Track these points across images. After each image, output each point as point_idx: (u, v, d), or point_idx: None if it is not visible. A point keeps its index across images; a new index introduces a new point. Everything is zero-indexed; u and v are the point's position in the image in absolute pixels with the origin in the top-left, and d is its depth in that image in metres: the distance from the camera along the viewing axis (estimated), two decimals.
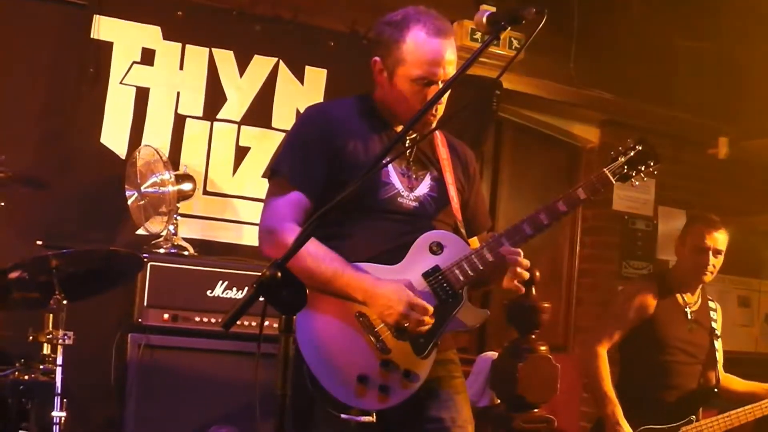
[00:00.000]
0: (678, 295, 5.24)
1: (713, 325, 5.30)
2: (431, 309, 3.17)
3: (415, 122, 2.98)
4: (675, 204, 8.23)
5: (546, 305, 4.41)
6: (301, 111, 5.55)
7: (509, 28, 2.94)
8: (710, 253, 5.17)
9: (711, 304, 5.39)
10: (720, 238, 5.21)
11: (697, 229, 5.23)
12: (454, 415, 3.35)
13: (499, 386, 4.61)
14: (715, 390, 5.21)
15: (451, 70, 3.28)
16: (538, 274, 4.44)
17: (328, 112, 3.48)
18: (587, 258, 7.74)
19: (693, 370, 5.20)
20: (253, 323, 4.33)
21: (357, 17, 6.03)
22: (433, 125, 3.34)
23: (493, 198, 7.45)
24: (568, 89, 7.42)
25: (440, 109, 3.34)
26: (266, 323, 2.75)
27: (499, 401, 4.77)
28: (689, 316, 5.21)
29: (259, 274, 2.45)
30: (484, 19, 2.94)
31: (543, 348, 4.39)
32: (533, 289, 4.41)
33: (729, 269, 8.53)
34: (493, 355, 4.94)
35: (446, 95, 3.25)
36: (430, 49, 3.25)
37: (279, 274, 2.42)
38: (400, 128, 3.32)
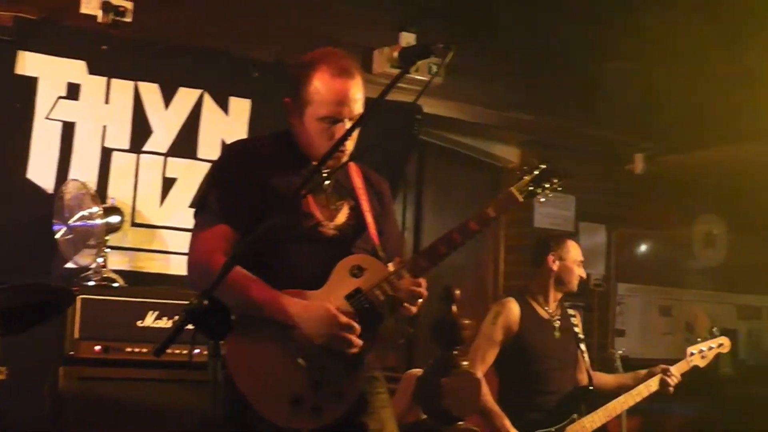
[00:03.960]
0: (539, 308, 5.52)
1: (576, 330, 5.61)
2: (358, 328, 3.29)
3: (326, 160, 3.16)
4: (595, 219, 8.42)
5: (467, 322, 4.52)
6: (227, 141, 5.70)
7: (419, 61, 3.09)
8: (581, 265, 5.59)
9: (570, 311, 5.70)
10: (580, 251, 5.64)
11: (571, 245, 5.60)
12: (378, 427, 3.46)
13: (424, 402, 4.69)
14: (591, 388, 5.49)
15: (356, 108, 3.41)
16: (458, 292, 4.55)
17: (249, 147, 3.65)
18: (511, 275, 7.87)
19: (565, 374, 5.49)
20: (185, 351, 4.37)
21: (281, 47, 6.09)
22: (344, 160, 3.47)
23: (418, 220, 7.57)
24: (488, 112, 7.55)
25: (350, 144, 3.46)
26: (197, 351, 2.84)
27: (425, 416, 4.88)
28: (554, 325, 5.49)
29: (188, 302, 2.57)
30: (396, 54, 3.09)
31: (465, 363, 4.49)
32: (454, 307, 4.53)
33: (650, 279, 8.82)
34: (418, 372, 5.06)
35: (357, 131, 3.39)
36: (335, 89, 3.38)
37: (206, 302, 2.54)
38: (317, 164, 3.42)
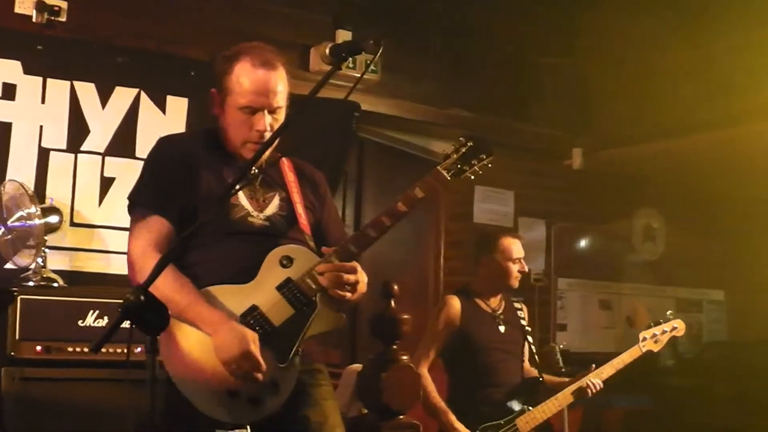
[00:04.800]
0: (481, 302, 5.57)
1: (522, 322, 5.66)
2: (263, 367, 3.29)
3: (259, 157, 3.18)
4: (535, 215, 8.49)
5: (406, 317, 4.55)
6: None
7: (350, 56, 3.12)
8: (519, 261, 5.56)
9: (516, 304, 5.74)
10: (521, 247, 5.63)
11: (505, 241, 5.58)
12: (321, 419, 3.49)
13: (365, 396, 4.73)
14: (540, 379, 5.56)
15: (277, 99, 3.46)
16: (396, 287, 4.59)
17: (179, 142, 3.69)
18: (453, 271, 7.88)
19: (513, 366, 5.53)
20: (125, 350, 4.37)
21: (217, 46, 6.05)
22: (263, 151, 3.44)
23: (358, 216, 7.63)
24: (426, 108, 7.61)
25: (268, 135, 3.46)
26: (138, 350, 2.85)
27: (366, 411, 4.92)
28: (497, 319, 5.53)
29: (123, 299, 2.59)
30: (327, 51, 3.13)
31: (404, 357, 4.52)
32: (392, 302, 4.56)
33: (589, 274, 8.90)
34: (358, 367, 5.10)
35: (278, 124, 3.45)
36: (255, 79, 3.44)
37: (142, 297, 2.56)
38: (247, 156, 3.47)
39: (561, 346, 6.93)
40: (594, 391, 5.46)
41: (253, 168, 3.50)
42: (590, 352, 5.83)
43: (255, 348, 3.27)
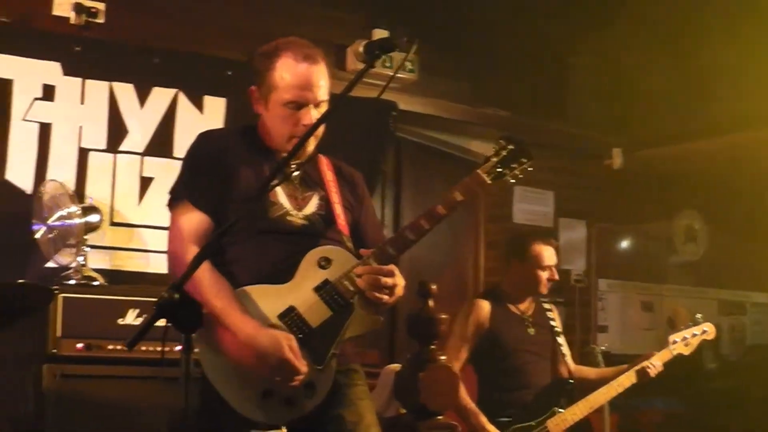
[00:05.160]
0: (511, 305, 5.54)
1: (552, 323, 5.61)
2: (303, 369, 3.28)
3: (297, 150, 3.16)
4: (575, 215, 8.45)
5: (444, 316, 4.53)
6: None
7: (383, 54, 3.12)
8: (549, 269, 5.51)
9: (545, 305, 5.68)
10: (554, 253, 5.57)
11: (536, 247, 5.51)
12: (356, 418, 3.47)
13: (402, 397, 4.72)
14: (571, 381, 5.50)
15: (321, 94, 3.45)
16: (434, 287, 4.57)
17: (218, 138, 3.66)
18: (491, 271, 7.85)
19: (542, 367, 5.49)
20: (167, 348, 4.40)
21: (253, 46, 6.09)
22: (310, 150, 3.49)
23: (397, 216, 7.59)
24: (463, 108, 7.61)
25: (318, 133, 3.46)
26: (177, 348, 2.83)
27: (404, 411, 4.90)
28: (527, 321, 5.50)
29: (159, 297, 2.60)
30: (361, 48, 3.12)
31: (442, 357, 4.52)
32: (430, 302, 4.55)
33: (631, 275, 8.84)
34: (396, 367, 5.08)
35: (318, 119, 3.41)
36: (299, 74, 3.43)
37: (176, 295, 2.56)
38: (283, 154, 3.44)
39: (602, 348, 6.91)
40: (654, 372, 5.44)
41: (294, 166, 3.51)
42: (630, 354, 5.76)
43: (291, 353, 3.26)
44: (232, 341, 3.29)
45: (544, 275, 5.48)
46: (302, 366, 3.27)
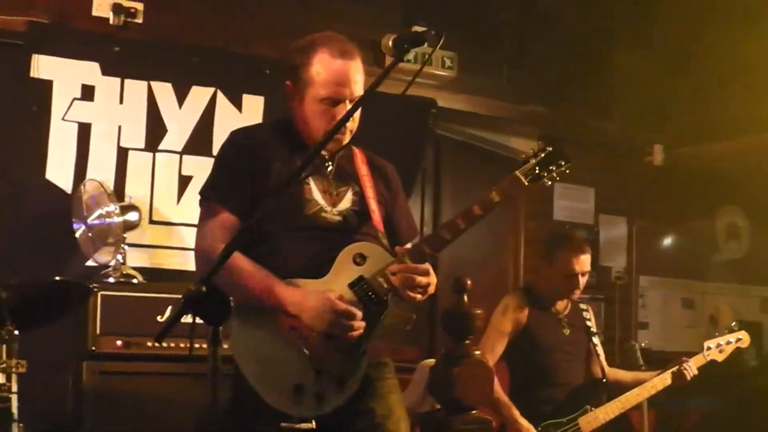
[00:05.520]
0: (547, 305, 5.53)
1: (587, 324, 5.60)
2: (359, 314, 3.32)
3: (327, 142, 3.13)
4: (615, 212, 8.41)
5: (479, 312, 4.55)
6: None
7: (412, 48, 3.12)
8: (579, 276, 5.45)
9: (581, 305, 5.68)
10: (586, 260, 5.50)
11: (563, 255, 5.46)
12: (386, 412, 3.48)
13: (437, 391, 4.73)
14: (604, 381, 5.50)
15: (357, 89, 3.45)
16: (469, 282, 4.59)
17: (251, 135, 3.66)
18: (531, 268, 7.77)
19: (576, 366, 5.49)
20: (204, 345, 4.42)
21: (291, 43, 6.14)
22: (345, 141, 3.49)
23: (437, 213, 7.60)
24: (503, 105, 7.59)
25: (350, 125, 3.48)
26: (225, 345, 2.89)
27: (438, 406, 4.91)
28: (563, 322, 5.50)
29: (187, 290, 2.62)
30: (390, 43, 3.13)
31: (477, 353, 4.52)
32: (465, 297, 4.56)
33: (672, 273, 8.78)
34: (431, 362, 5.09)
35: (358, 114, 3.45)
36: (335, 70, 3.43)
37: (204, 288, 2.59)
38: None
39: (642, 345, 6.88)
40: (690, 375, 5.45)
41: (327, 161, 3.53)
42: (671, 351, 5.76)
43: (342, 303, 3.31)
44: (278, 321, 3.34)
45: (572, 283, 5.45)
46: (358, 312, 3.32)
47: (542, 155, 3.60)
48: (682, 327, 8.85)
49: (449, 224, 3.50)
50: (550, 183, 3.65)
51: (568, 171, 3.65)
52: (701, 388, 5.76)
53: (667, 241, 9.02)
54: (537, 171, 3.59)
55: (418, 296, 3.43)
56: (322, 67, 3.44)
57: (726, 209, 9.31)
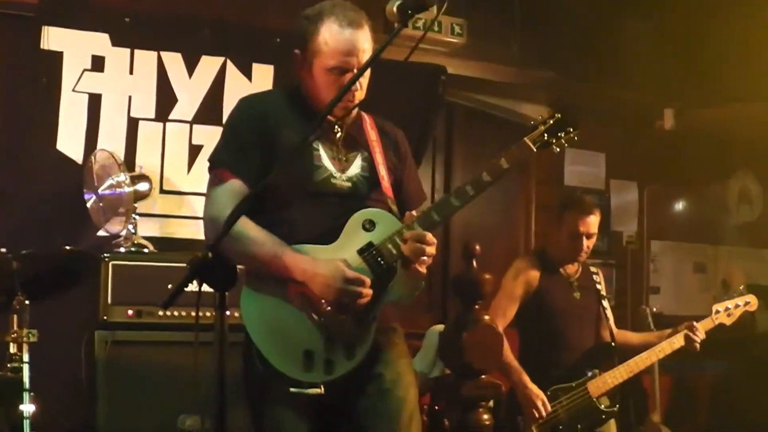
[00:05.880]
0: (558, 268, 5.53)
1: (597, 287, 5.60)
2: (368, 281, 3.32)
3: (331, 109, 3.12)
4: (626, 176, 8.43)
5: (488, 277, 4.56)
6: None
7: (415, 14, 3.12)
8: (584, 237, 5.43)
9: (592, 269, 5.70)
10: (592, 222, 5.48)
11: (570, 216, 5.47)
12: (394, 377, 3.50)
13: (446, 356, 4.74)
14: (613, 345, 5.51)
15: (365, 58, 3.42)
16: (478, 247, 4.59)
17: (259, 102, 3.65)
18: (543, 234, 7.81)
19: (586, 331, 5.52)
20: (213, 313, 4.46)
21: (300, 12, 6.13)
22: (352, 107, 3.49)
23: (448, 181, 7.62)
24: (513, 71, 7.58)
25: (359, 94, 3.48)
26: (228, 313, 2.91)
27: (448, 371, 4.94)
28: (573, 285, 5.50)
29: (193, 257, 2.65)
30: (395, 9, 3.12)
31: (486, 318, 4.54)
32: (474, 262, 4.57)
33: (683, 236, 8.80)
34: (441, 328, 5.11)
35: (366, 80, 3.46)
36: (343, 39, 3.41)
37: (210, 254, 2.61)
38: (329, 116, 3.42)
39: (654, 309, 6.91)
40: (698, 341, 5.42)
41: (336, 127, 3.54)
42: (683, 315, 5.75)
43: (351, 271, 3.31)
44: (287, 288, 3.35)
45: (578, 244, 5.44)
46: (367, 279, 3.32)
47: (551, 122, 3.59)
48: (693, 291, 8.87)
49: (458, 191, 3.50)
50: (558, 150, 3.66)
51: (576, 138, 3.66)
52: (715, 353, 5.75)
53: (679, 205, 9.03)
54: (546, 138, 3.59)
55: (424, 269, 3.44)
56: (329, 36, 3.43)
57: (738, 173, 9.31)
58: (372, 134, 3.65)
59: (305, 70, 3.53)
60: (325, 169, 3.48)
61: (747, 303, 5.65)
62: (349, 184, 3.52)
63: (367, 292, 3.33)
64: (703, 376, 8.28)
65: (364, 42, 3.46)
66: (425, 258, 3.40)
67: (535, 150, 3.58)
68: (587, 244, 5.46)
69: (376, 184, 3.57)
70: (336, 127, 3.55)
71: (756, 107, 8.03)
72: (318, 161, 3.48)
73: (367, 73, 3.47)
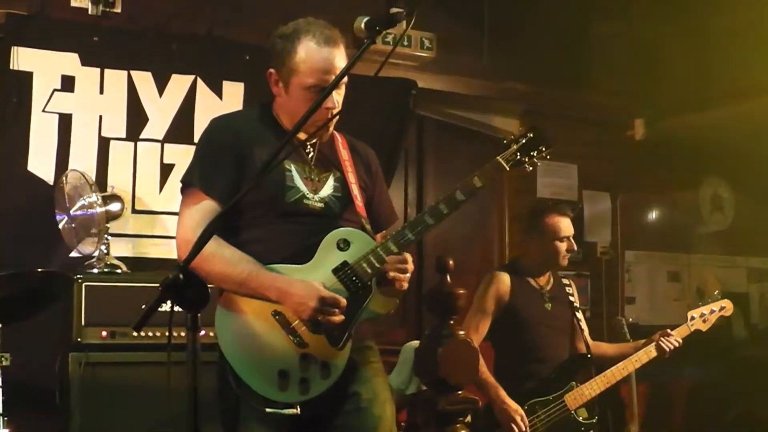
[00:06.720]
0: (530, 279, 5.53)
1: (570, 299, 5.60)
2: (343, 300, 3.33)
3: (301, 125, 3.05)
4: (599, 187, 8.42)
5: (462, 291, 4.54)
6: None
7: (384, 30, 3.11)
8: (567, 240, 5.49)
9: (564, 280, 5.69)
10: (570, 225, 5.55)
11: (550, 220, 5.50)
12: (371, 395, 3.51)
13: (422, 372, 4.73)
14: (588, 356, 5.49)
15: None
16: (451, 262, 4.58)
17: (232, 122, 3.64)
18: (517, 245, 7.80)
19: (559, 342, 5.49)
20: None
21: (271, 28, 6.11)
22: (328, 123, 3.48)
23: (420, 195, 7.61)
24: (483, 83, 7.58)
25: (336, 111, 3.47)
26: (202, 333, 2.88)
27: (425, 387, 4.92)
28: (545, 296, 5.49)
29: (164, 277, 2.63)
30: (363, 25, 3.11)
31: (461, 332, 4.52)
32: (448, 277, 4.56)
33: (657, 246, 8.80)
34: (416, 344, 5.09)
35: (341, 99, 3.48)
36: (321, 58, 3.42)
37: (181, 275, 2.60)
38: (301, 135, 3.44)
39: (629, 320, 6.91)
40: (671, 348, 5.43)
41: (308, 147, 3.54)
42: (659, 325, 5.75)
43: (325, 290, 3.32)
44: (262, 307, 3.36)
45: (562, 246, 5.46)
46: (341, 299, 3.33)
47: (523, 141, 3.64)
48: (669, 300, 8.87)
49: (432, 209, 3.53)
50: (530, 168, 3.70)
51: (548, 157, 3.71)
52: (691, 360, 5.78)
53: (652, 214, 9.04)
54: (518, 156, 3.64)
55: (405, 284, 3.46)
56: (306, 55, 3.44)
57: (709, 181, 9.33)
58: (344, 153, 3.67)
59: (281, 89, 3.53)
60: (297, 190, 3.49)
61: (722, 308, 5.66)
62: (321, 204, 3.53)
63: (342, 311, 3.33)
64: (679, 382, 8.29)
65: (341, 60, 3.47)
66: (407, 275, 3.43)
67: (508, 169, 3.63)
68: (569, 246, 5.49)
69: (349, 203, 3.59)
70: (308, 146, 3.54)
71: (725, 113, 8.05)
72: (290, 182, 3.49)
73: (343, 90, 3.49)
